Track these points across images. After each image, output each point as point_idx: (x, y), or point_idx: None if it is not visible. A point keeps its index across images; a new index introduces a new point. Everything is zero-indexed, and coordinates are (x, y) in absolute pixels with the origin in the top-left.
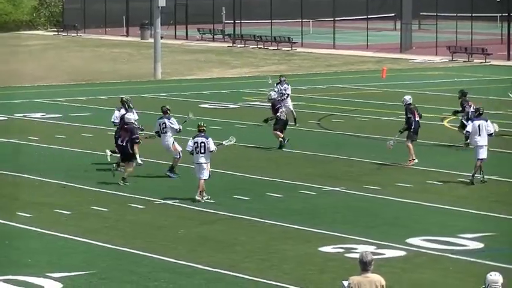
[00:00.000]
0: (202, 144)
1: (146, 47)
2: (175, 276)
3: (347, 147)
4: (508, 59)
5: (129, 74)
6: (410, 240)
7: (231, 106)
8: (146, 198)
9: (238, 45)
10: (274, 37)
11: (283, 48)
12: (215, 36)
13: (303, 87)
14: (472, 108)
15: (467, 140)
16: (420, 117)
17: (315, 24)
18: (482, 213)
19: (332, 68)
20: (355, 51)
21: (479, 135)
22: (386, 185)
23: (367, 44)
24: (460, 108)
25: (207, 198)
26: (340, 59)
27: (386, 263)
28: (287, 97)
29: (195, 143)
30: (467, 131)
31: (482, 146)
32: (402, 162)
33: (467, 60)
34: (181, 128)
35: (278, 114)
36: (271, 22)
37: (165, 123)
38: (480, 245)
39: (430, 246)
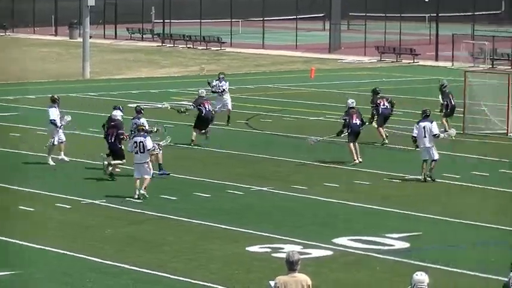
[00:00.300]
0: (141, 143)
1: (75, 46)
2: (102, 276)
3: (275, 147)
4: (436, 60)
5: (57, 73)
6: (337, 240)
7: (159, 106)
8: (73, 198)
9: (168, 45)
10: (204, 37)
11: (213, 48)
12: (144, 36)
13: (231, 87)
14: (383, 104)
15: (415, 142)
16: (362, 122)
17: (244, 24)
18: (408, 212)
19: (261, 68)
20: (284, 51)
21: (425, 137)
22: (313, 185)
23: (296, 44)
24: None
25: (137, 197)
26: (269, 58)
27: (313, 263)
28: (222, 92)
29: (134, 142)
30: (413, 136)
31: (430, 147)
32: (347, 163)
33: (395, 60)
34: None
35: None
36: (201, 22)
37: (136, 123)
38: (406, 245)
39: (357, 246)
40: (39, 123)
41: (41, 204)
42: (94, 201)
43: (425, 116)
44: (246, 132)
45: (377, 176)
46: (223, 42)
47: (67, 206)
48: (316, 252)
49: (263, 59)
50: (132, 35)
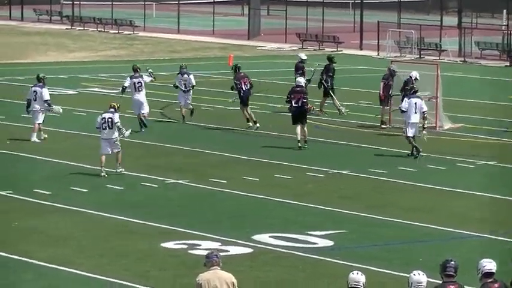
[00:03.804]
0: (110, 119)
1: None
2: (6, 271)
3: (191, 137)
4: (361, 48)
5: None
6: (257, 237)
7: (69, 92)
8: None
9: (77, 28)
10: (115, 20)
11: (125, 32)
12: (52, 18)
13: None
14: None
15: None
16: (304, 103)
17: (158, 7)
18: (331, 209)
19: (176, 54)
20: (201, 37)
21: (415, 112)
22: (232, 178)
23: (214, 30)
24: None
25: (121, 171)
26: (184, 44)
27: (232, 260)
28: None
29: (102, 118)
30: (402, 110)
31: (415, 123)
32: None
33: (318, 48)
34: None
35: None
36: (112, 4)
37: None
38: (330, 243)
39: (278, 244)
40: None
41: None
42: (0, 192)
43: (414, 92)
44: (159, 122)
45: (299, 170)
46: (137, 26)
47: None
48: (235, 250)
49: (178, 45)
50: (39, 17)
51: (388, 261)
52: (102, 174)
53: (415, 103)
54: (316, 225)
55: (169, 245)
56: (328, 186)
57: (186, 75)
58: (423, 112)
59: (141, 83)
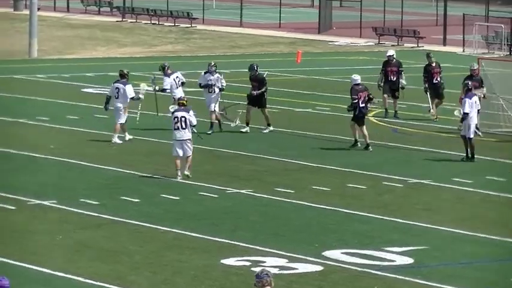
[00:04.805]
0: (183, 118)
1: (20, 20)
2: None
3: (253, 142)
4: (444, 44)
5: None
6: (327, 253)
7: None
8: (18, 197)
9: (129, 20)
10: (171, 11)
11: (181, 25)
12: (101, 9)
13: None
14: None
15: (462, 121)
16: (370, 100)
17: None
18: (411, 223)
19: (238, 50)
20: (266, 31)
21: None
22: (300, 187)
23: (280, 23)
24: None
25: (189, 174)
26: (248, 39)
27: (300, 279)
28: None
29: (175, 118)
30: (465, 113)
31: (476, 123)
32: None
33: (396, 44)
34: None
35: None
36: None
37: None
38: (410, 261)
39: (351, 261)
40: None
41: None
42: (43, 202)
43: (468, 90)
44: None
45: (375, 178)
46: (194, 19)
47: (10, 207)
48: (303, 267)
49: (241, 39)
50: (87, 8)
51: (475, 281)
52: (179, 178)
53: (475, 102)
54: (395, 240)
55: (230, 261)
56: (408, 197)
57: (217, 75)
58: (478, 110)
59: (178, 77)
